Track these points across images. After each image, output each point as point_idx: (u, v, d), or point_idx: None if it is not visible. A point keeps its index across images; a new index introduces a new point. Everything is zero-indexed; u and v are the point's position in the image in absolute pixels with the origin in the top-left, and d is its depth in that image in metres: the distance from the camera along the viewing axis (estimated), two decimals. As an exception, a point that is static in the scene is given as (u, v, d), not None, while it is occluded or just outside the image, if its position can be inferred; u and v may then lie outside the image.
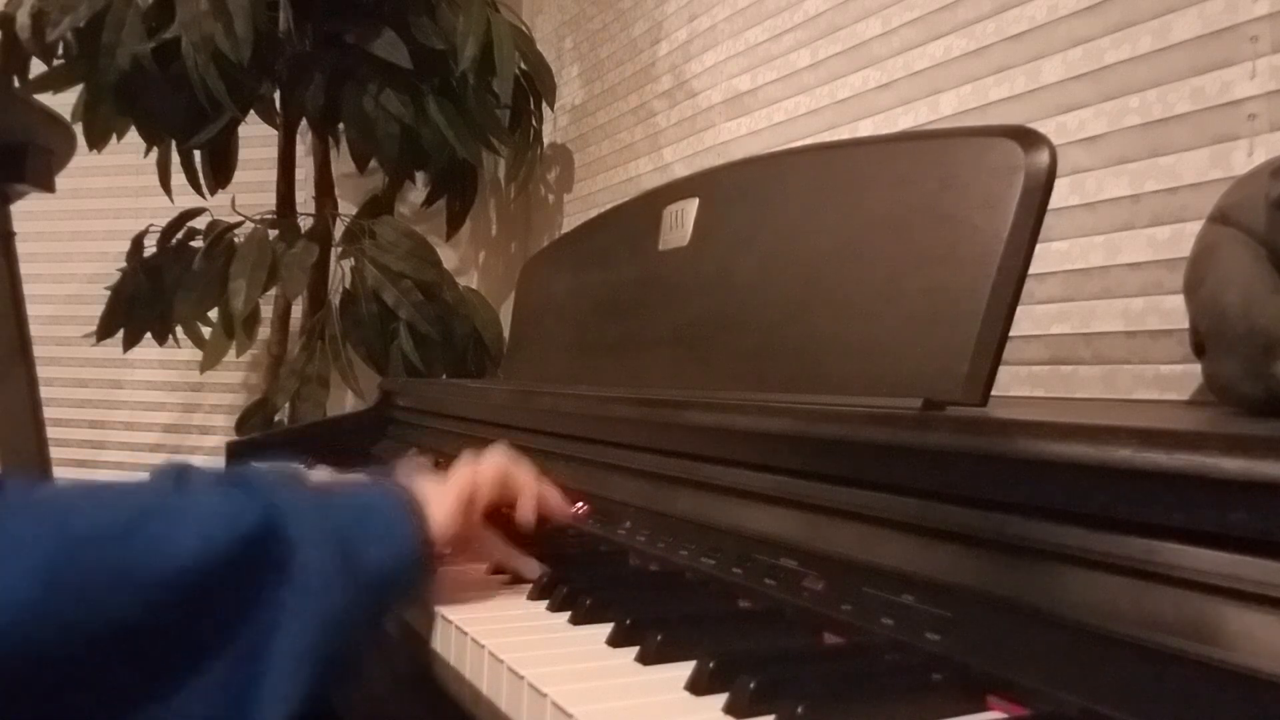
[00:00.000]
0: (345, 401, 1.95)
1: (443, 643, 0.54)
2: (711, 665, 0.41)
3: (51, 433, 1.51)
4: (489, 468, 0.61)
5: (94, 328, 1.82)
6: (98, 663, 0.41)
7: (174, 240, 1.84)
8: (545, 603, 0.55)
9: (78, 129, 1.66)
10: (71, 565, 0.40)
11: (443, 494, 0.57)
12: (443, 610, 0.55)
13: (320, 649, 0.45)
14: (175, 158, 1.85)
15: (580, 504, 0.74)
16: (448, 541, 0.56)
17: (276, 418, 1.77)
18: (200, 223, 1.85)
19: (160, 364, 2.32)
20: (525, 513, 0.62)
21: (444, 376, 1.81)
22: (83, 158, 1.64)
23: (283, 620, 0.45)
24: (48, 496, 0.45)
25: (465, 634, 0.51)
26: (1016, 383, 0.94)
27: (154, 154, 1.85)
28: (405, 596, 0.54)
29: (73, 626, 0.40)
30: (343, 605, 0.47)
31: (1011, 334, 0.57)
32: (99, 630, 0.40)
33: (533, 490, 0.63)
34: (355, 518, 0.51)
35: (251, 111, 1.83)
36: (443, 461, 1.14)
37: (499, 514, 0.63)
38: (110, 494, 0.46)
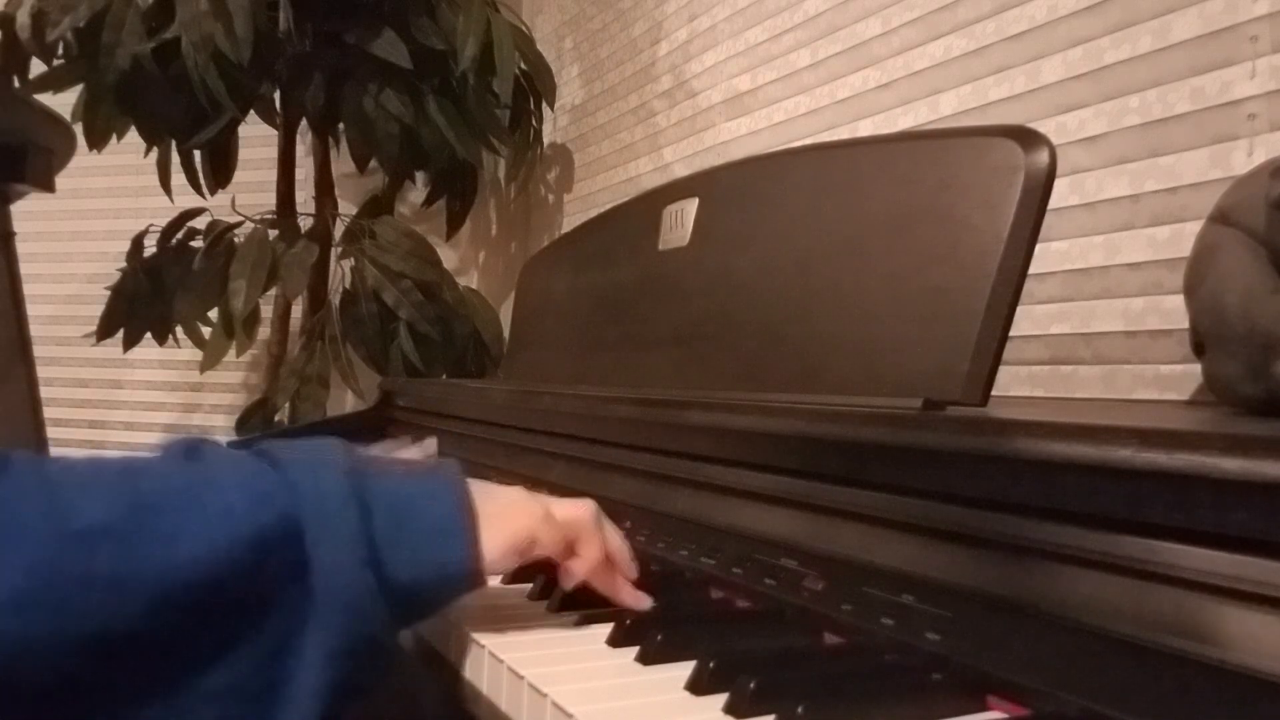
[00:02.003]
0: (345, 401, 1.94)
1: (443, 643, 0.54)
2: (711, 665, 0.41)
3: (51, 433, 1.51)
4: (562, 527, 0.51)
5: (94, 328, 1.82)
6: (90, 667, 0.38)
7: (174, 240, 1.84)
8: (546, 603, 0.55)
9: (78, 129, 1.66)
10: (66, 563, 0.37)
11: (501, 526, 0.48)
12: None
13: (337, 666, 0.41)
14: (175, 158, 1.85)
15: None
16: (488, 577, 0.49)
17: (276, 418, 1.77)
18: (200, 223, 1.85)
19: (160, 364, 2.32)
20: (570, 575, 0.53)
21: (444, 376, 1.81)
22: (83, 158, 1.64)
23: (299, 632, 0.41)
24: (53, 478, 0.40)
25: (465, 634, 0.51)
26: (1016, 383, 0.94)
27: (154, 154, 1.85)
28: (434, 613, 0.48)
29: (62, 627, 0.37)
30: (365, 622, 0.42)
31: (1011, 334, 0.57)
32: (92, 633, 0.37)
33: (592, 563, 0.52)
34: (394, 527, 0.44)
35: (251, 111, 1.83)
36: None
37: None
38: (119, 479, 0.41)
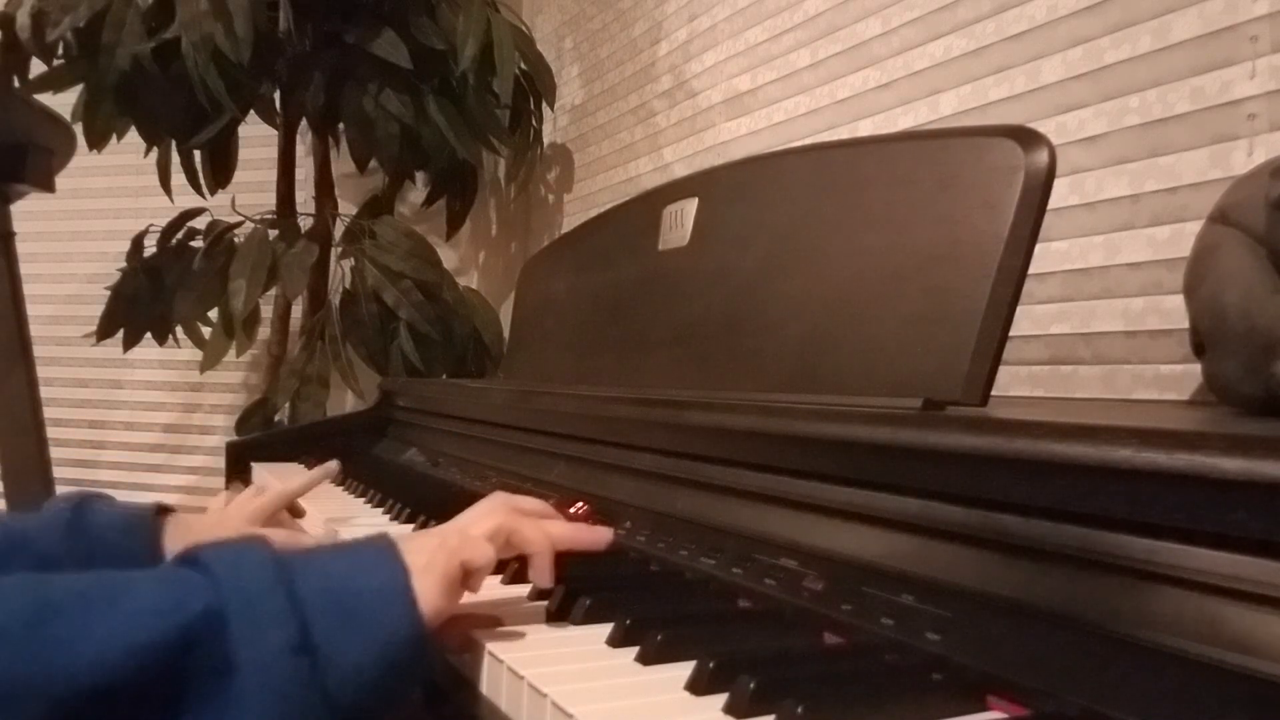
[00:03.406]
0: (345, 401, 1.95)
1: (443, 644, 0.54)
2: (711, 665, 0.41)
3: (51, 433, 1.52)
4: (479, 537, 0.51)
5: (94, 328, 1.82)
6: None
7: (174, 240, 1.84)
8: (545, 603, 0.55)
9: (78, 129, 1.66)
10: None
11: (429, 571, 0.46)
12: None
13: None
14: (175, 158, 1.85)
15: (580, 504, 0.74)
16: (436, 632, 0.47)
17: (276, 418, 1.77)
18: (200, 223, 1.85)
19: (160, 364, 2.32)
20: (540, 577, 0.54)
21: (444, 376, 1.81)
22: (83, 158, 1.64)
23: None
24: None
25: (466, 635, 0.51)
26: (1016, 383, 0.94)
27: (154, 154, 1.85)
28: (395, 690, 0.44)
29: None
30: (298, 714, 0.40)
31: (1011, 334, 0.57)
32: None
33: (542, 546, 0.53)
34: (326, 605, 0.42)
35: (251, 111, 1.83)
36: (438, 464, 1.15)
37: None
38: (24, 581, 0.39)
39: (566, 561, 0.55)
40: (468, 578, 0.49)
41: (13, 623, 0.37)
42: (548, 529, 0.54)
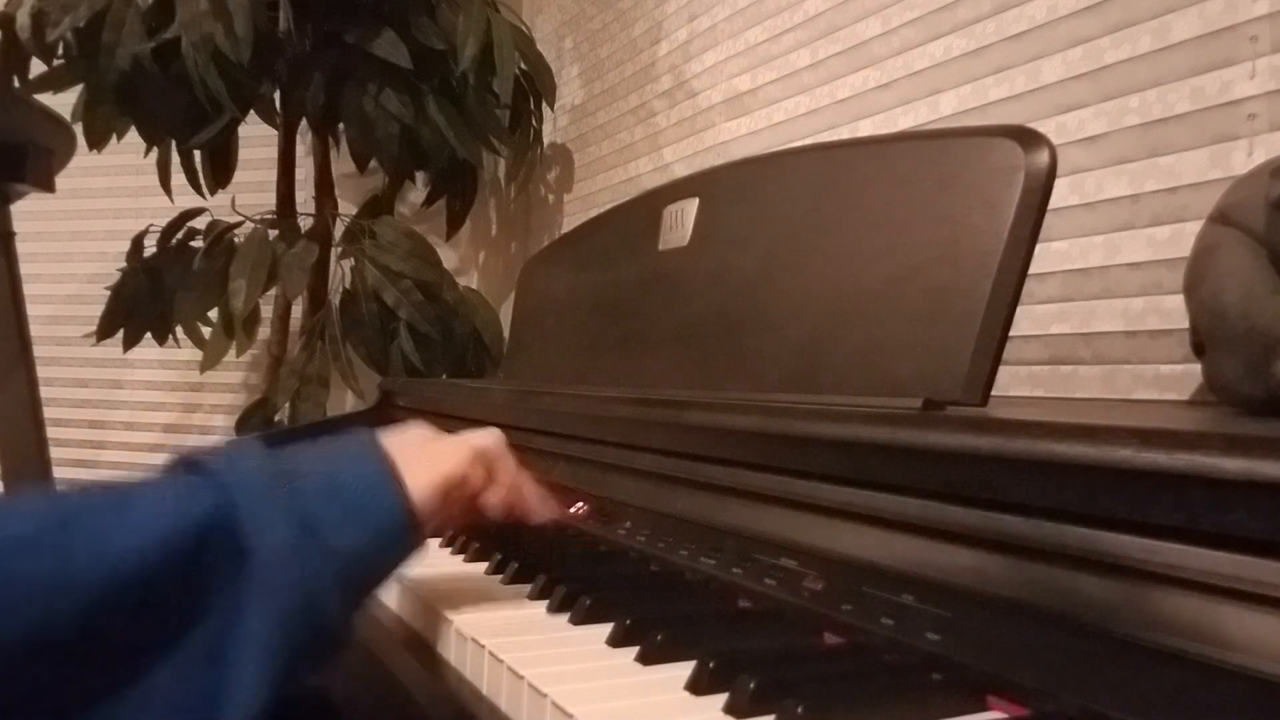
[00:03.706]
0: (345, 401, 1.95)
1: (443, 644, 0.54)
2: (711, 665, 0.41)
3: (51, 433, 1.51)
4: (474, 452, 0.56)
5: (94, 328, 1.82)
6: (32, 673, 0.37)
7: (174, 240, 1.84)
8: (545, 603, 0.55)
9: (78, 129, 1.66)
10: None
11: (428, 468, 0.51)
12: (444, 611, 0.55)
13: (287, 641, 0.42)
14: (175, 158, 1.85)
15: (580, 504, 0.74)
16: (426, 522, 0.51)
17: (276, 418, 1.77)
18: (200, 223, 1.85)
19: (160, 364, 2.32)
20: (491, 507, 0.58)
21: (444, 376, 1.81)
22: (83, 158, 1.64)
23: (243, 615, 0.41)
24: None
25: (465, 634, 0.51)
26: (1016, 383, 0.94)
27: (154, 154, 1.85)
28: (386, 575, 0.50)
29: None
30: (310, 594, 0.43)
31: (1011, 334, 0.57)
32: (24, 639, 0.37)
33: (512, 482, 0.59)
34: (324, 495, 0.46)
35: (251, 111, 1.83)
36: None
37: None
38: (40, 502, 0.42)
39: (520, 527, 0.60)
40: (461, 486, 0.54)
41: (36, 530, 0.39)
42: (519, 480, 0.60)
